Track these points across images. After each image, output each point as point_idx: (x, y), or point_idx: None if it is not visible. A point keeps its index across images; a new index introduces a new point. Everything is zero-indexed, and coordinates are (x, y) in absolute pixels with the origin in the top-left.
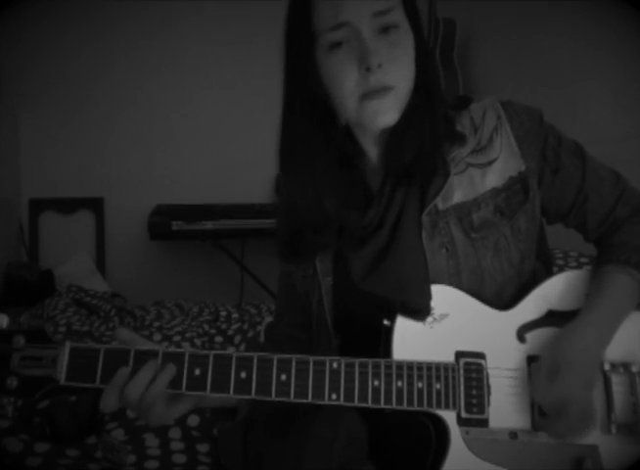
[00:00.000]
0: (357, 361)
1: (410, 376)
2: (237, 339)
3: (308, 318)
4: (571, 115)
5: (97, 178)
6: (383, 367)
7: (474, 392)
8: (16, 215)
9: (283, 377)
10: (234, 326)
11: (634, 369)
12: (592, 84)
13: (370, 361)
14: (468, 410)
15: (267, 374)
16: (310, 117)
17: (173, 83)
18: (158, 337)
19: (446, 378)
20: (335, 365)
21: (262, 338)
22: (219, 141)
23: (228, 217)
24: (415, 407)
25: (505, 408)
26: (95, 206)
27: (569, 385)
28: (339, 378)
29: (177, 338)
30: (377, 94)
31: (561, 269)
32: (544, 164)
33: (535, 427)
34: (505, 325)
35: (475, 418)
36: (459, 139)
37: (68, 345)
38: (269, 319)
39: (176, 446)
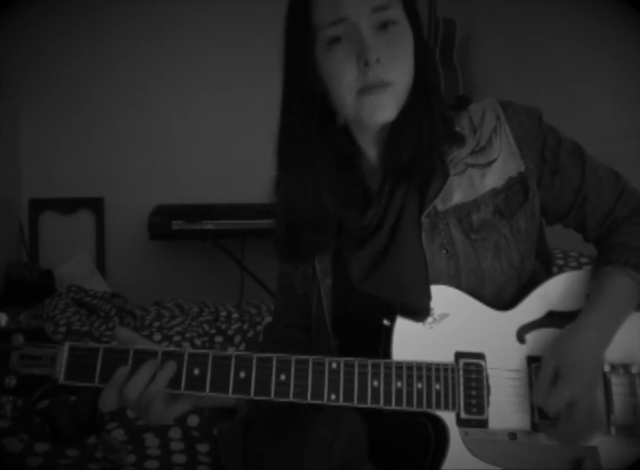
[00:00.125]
0: (357, 362)
1: (410, 376)
2: (237, 339)
3: (307, 319)
4: (571, 115)
5: (97, 178)
6: (382, 368)
7: (473, 392)
8: (16, 215)
9: (282, 377)
10: (234, 326)
11: (634, 370)
12: (592, 84)
13: (369, 362)
14: (467, 411)
15: (266, 374)
16: (309, 115)
17: (173, 83)
18: (158, 337)
19: (446, 379)
20: (334, 365)
21: (261, 338)
22: (219, 141)
23: (228, 217)
24: (414, 408)
25: (504, 409)
26: (95, 206)
27: (572, 388)
28: (338, 378)
29: (177, 338)
30: (375, 89)
31: (561, 269)
32: (543, 164)
33: (535, 428)
34: (505, 326)
35: (474, 419)
36: (458, 140)
37: (67, 344)
38: (269, 319)
39: (176, 446)
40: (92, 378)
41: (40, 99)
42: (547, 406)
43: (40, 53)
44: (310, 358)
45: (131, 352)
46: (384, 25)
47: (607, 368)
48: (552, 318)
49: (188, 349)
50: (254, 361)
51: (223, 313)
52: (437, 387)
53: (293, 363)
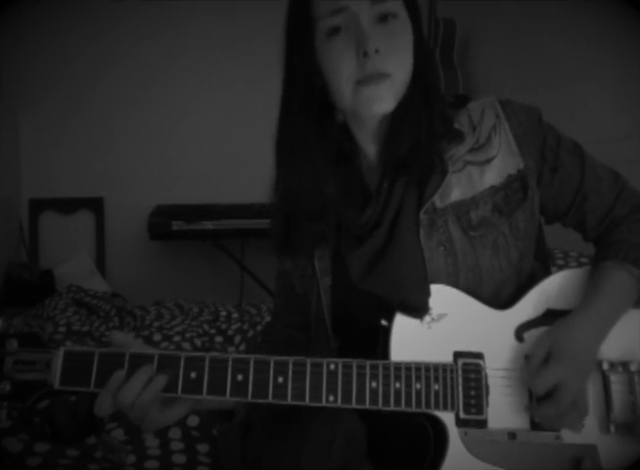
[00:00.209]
0: (355, 363)
1: (408, 377)
2: (237, 339)
3: (307, 319)
4: (571, 115)
5: (97, 178)
6: (381, 369)
7: (472, 392)
8: (16, 215)
9: (280, 379)
10: (234, 326)
11: (633, 368)
12: (592, 84)
13: (368, 363)
14: (466, 411)
15: (264, 377)
16: (308, 108)
17: (173, 83)
18: (158, 337)
19: (444, 379)
20: (332, 367)
21: (259, 338)
22: (219, 141)
23: (228, 217)
24: (413, 409)
25: (503, 409)
26: (95, 206)
27: (560, 370)
28: (336, 380)
29: (177, 338)
30: (373, 80)
31: (561, 269)
32: (543, 163)
33: (534, 427)
34: (503, 325)
35: (473, 419)
36: (457, 137)
37: (62, 349)
38: (269, 319)
39: (176, 446)
40: (88, 383)
41: (40, 99)
42: (534, 386)
43: (40, 53)
44: (308, 360)
45: (127, 357)
46: (383, 18)
47: (606, 366)
48: (550, 317)
49: (185, 353)
50: (252, 364)
51: (223, 313)
52: (436, 387)
53: (290, 365)
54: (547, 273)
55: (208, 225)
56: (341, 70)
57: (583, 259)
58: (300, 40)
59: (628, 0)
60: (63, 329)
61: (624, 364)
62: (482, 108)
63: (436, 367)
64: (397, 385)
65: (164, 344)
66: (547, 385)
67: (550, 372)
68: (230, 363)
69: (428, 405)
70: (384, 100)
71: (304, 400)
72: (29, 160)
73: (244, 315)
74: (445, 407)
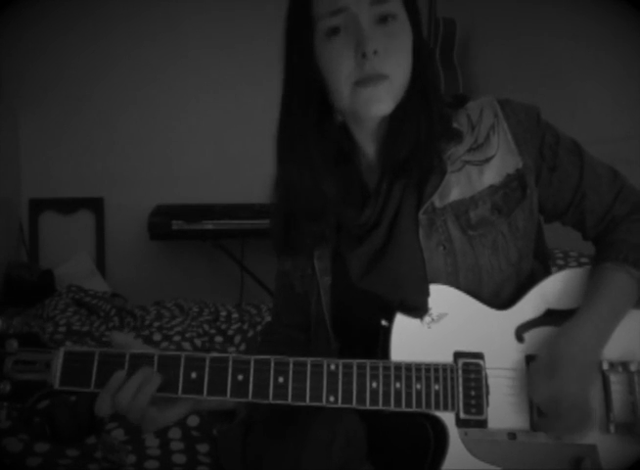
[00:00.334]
0: (355, 363)
1: (408, 377)
2: (237, 339)
3: (307, 319)
4: (571, 115)
5: (97, 178)
6: (381, 369)
7: (472, 392)
8: (16, 215)
9: (280, 379)
10: (234, 326)
11: (633, 368)
12: (592, 84)
13: (368, 363)
14: (466, 411)
15: (264, 377)
16: (307, 108)
17: (173, 83)
18: (158, 337)
19: (445, 379)
20: (332, 367)
21: (259, 338)
22: (219, 141)
23: (228, 217)
24: (414, 409)
25: (504, 409)
26: (95, 206)
27: (566, 382)
28: (336, 380)
29: (177, 338)
30: (371, 81)
31: (561, 269)
32: (542, 161)
33: (534, 427)
34: (503, 325)
35: (473, 419)
36: (456, 136)
37: (62, 349)
38: (269, 319)
39: (176, 446)
40: (88, 383)
41: (40, 99)
42: (539, 399)
43: (40, 53)
44: (308, 360)
45: (127, 357)
46: (383, 19)
47: (605, 366)
48: (551, 317)
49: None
50: (252, 364)
51: (223, 313)
52: (436, 387)
53: (291, 365)
54: (547, 273)
55: (208, 225)
56: (339, 70)
57: (583, 259)
58: (300, 40)
59: (628, 0)
60: (63, 329)
61: (624, 364)
62: (481, 107)
63: (437, 367)
64: (398, 385)
65: (164, 344)
66: (554, 400)
67: (556, 386)
68: (230, 363)
69: (428, 405)
70: (382, 101)
71: (305, 401)
72: (29, 160)
73: (244, 315)
74: (445, 407)
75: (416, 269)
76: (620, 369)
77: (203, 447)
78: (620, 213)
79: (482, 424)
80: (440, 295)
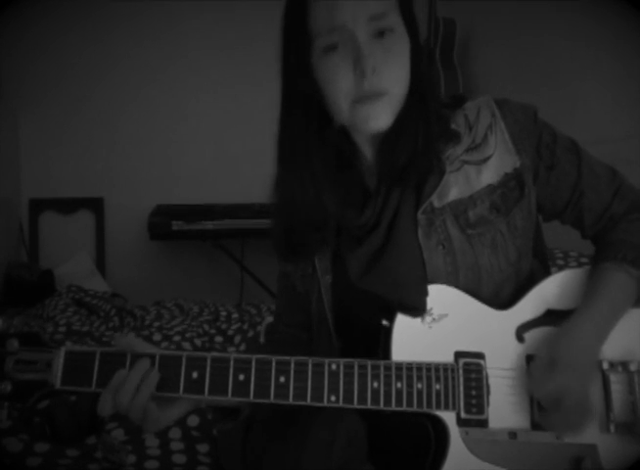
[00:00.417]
0: (356, 363)
1: (409, 377)
2: (237, 339)
3: (309, 318)
4: (571, 115)
5: (97, 178)
6: (382, 369)
7: (473, 392)
8: (16, 215)
9: (282, 379)
10: (234, 326)
11: (633, 368)
12: (592, 84)
13: (369, 362)
14: (467, 411)
15: (266, 376)
16: (307, 119)
17: (174, 84)
18: (158, 337)
19: (446, 379)
20: (334, 367)
21: (263, 338)
22: (219, 141)
23: (228, 217)
24: (415, 409)
25: (504, 408)
26: (95, 206)
27: (565, 378)
28: (337, 380)
29: (177, 338)
30: (369, 99)
31: (561, 269)
32: (539, 160)
33: (535, 427)
34: (504, 325)
35: (474, 419)
36: (454, 137)
37: (63, 348)
38: (269, 319)
39: (176, 446)
40: (89, 383)
41: (40, 99)
42: (539, 395)
43: (40, 53)
44: (310, 360)
45: (129, 356)
46: (380, 33)
47: (605, 366)
48: (551, 317)
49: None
50: (253, 364)
51: (223, 313)
52: (437, 387)
53: (292, 365)
54: (547, 273)
55: (208, 225)
56: (338, 87)
57: (583, 259)
58: (297, 56)
59: (628, 0)
60: (63, 329)
61: (624, 364)
62: (478, 107)
63: (438, 367)
64: (399, 385)
65: (164, 344)
66: (552, 395)
67: (554, 381)
68: (232, 363)
69: (429, 405)
70: (380, 118)
71: (306, 400)
72: (29, 160)
73: (244, 315)
74: (446, 407)
75: (415, 269)
76: (620, 369)
77: (203, 447)
78: (619, 212)
79: (483, 424)
80: (441, 295)
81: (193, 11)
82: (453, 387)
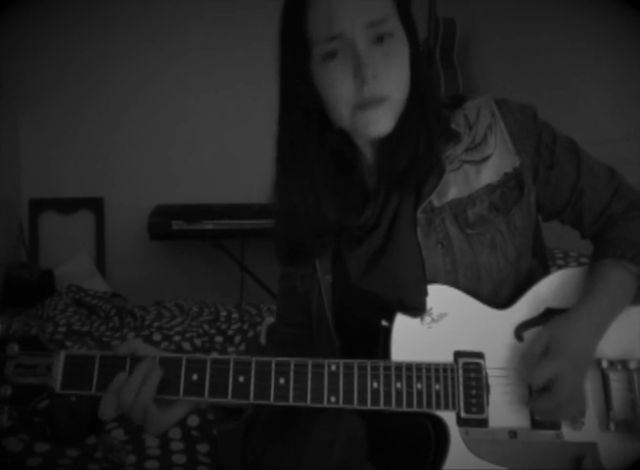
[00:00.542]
0: (356, 363)
1: (409, 377)
2: (237, 339)
3: (310, 318)
4: (571, 115)
5: (97, 178)
6: (382, 369)
7: (473, 392)
8: (16, 215)
9: (281, 381)
10: (234, 326)
11: (632, 366)
12: (592, 84)
13: (369, 363)
14: (467, 410)
15: (266, 378)
16: (306, 124)
17: (173, 84)
18: (158, 337)
19: (445, 378)
20: (333, 368)
21: (263, 338)
22: (219, 141)
23: (228, 217)
24: (415, 409)
25: (504, 408)
26: (95, 206)
27: (557, 364)
28: (337, 380)
29: (177, 338)
30: (370, 105)
31: (560, 269)
32: (538, 160)
33: (535, 426)
34: (503, 324)
35: (474, 418)
36: (454, 137)
37: (62, 352)
38: (269, 319)
39: (176, 446)
40: (89, 386)
41: (40, 99)
42: (531, 379)
43: (40, 53)
44: (309, 361)
45: (128, 359)
46: (379, 38)
47: (605, 364)
48: (550, 316)
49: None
50: (253, 365)
51: (223, 313)
52: (437, 387)
53: (292, 366)
54: (546, 272)
55: (208, 225)
56: (338, 94)
57: (583, 259)
58: (297, 63)
59: (628, 0)
60: (63, 329)
61: (623, 362)
62: (478, 107)
63: (437, 367)
64: (399, 385)
65: (164, 344)
66: (544, 378)
67: (547, 365)
68: (232, 365)
69: (429, 405)
70: (382, 123)
71: (306, 401)
72: (29, 160)
73: (244, 315)
74: (446, 407)
75: (414, 268)
76: (620, 367)
77: (203, 447)
78: (618, 211)
79: (483, 423)
80: (440, 295)
81: (193, 11)
82: (453, 387)
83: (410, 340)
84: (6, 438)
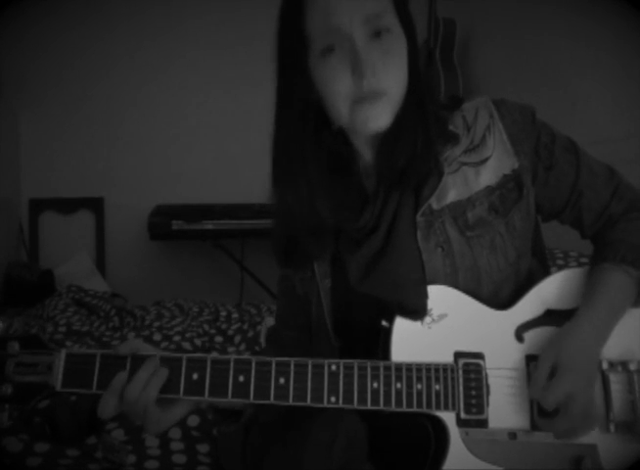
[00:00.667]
0: (356, 363)
1: (409, 378)
2: (237, 339)
3: (309, 320)
4: (571, 115)
5: (97, 178)
6: (382, 369)
7: (473, 392)
8: (16, 215)
9: (281, 380)
10: (234, 326)
11: (632, 367)
12: (592, 84)
13: (369, 363)
14: (467, 411)
15: (266, 378)
16: (304, 122)
17: (174, 84)
18: (158, 337)
19: (445, 379)
20: (333, 368)
21: (262, 339)
22: (219, 141)
23: (228, 217)
24: (414, 409)
25: (504, 408)
26: (95, 206)
27: (569, 382)
28: (337, 380)
29: (177, 338)
30: (368, 100)
31: (560, 269)
32: (537, 161)
33: (534, 427)
34: (503, 325)
35: (474, 419)
36: (452, 139)
37: (63, 351)
38: (269, 319)
39: (176, 446)
40: (90, 385)
41: (40, 99)
42: (545, 401)
43: (40, 53)
44: (309, 361)
45: (129, 358)
46: (377, 34)
47: (605, 365)
48: (550, 317)
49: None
50: (253, 365)
51: (223, 313)
52: (437, 387)
53: (292, 366)
54: (546, 273)
55: (208, 225)
56: (336, 89)
57: (583, 259)
58: (294, 59)
59: (628, 0)
60: (63, 329)
61: (624, 364)
62: (476, 108)
63: (437, 367)
64: (398, 385)
65: (164, 344)
66: (558, 399)
67: (558, 385)
68: (232, 364)
69: (429, 406)
70: (380, 118)
71: (306, 401)
72: (29, 160)
73: (244, 315)
74: (446, 407)
75: (414, 271)
76: (620, 369)
77: (203, 447)
78: (617, 211)
79: (483, 424)
80: (440, 295)
81: (193, 11)
82: (453, 387)
83: (410, 340)
84: (6, 438)
